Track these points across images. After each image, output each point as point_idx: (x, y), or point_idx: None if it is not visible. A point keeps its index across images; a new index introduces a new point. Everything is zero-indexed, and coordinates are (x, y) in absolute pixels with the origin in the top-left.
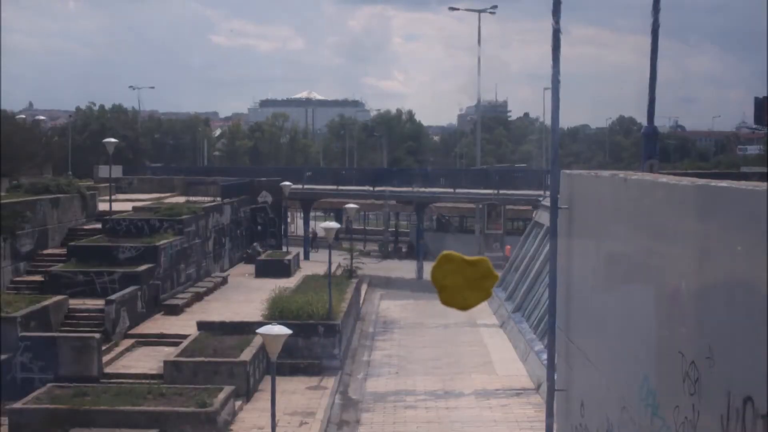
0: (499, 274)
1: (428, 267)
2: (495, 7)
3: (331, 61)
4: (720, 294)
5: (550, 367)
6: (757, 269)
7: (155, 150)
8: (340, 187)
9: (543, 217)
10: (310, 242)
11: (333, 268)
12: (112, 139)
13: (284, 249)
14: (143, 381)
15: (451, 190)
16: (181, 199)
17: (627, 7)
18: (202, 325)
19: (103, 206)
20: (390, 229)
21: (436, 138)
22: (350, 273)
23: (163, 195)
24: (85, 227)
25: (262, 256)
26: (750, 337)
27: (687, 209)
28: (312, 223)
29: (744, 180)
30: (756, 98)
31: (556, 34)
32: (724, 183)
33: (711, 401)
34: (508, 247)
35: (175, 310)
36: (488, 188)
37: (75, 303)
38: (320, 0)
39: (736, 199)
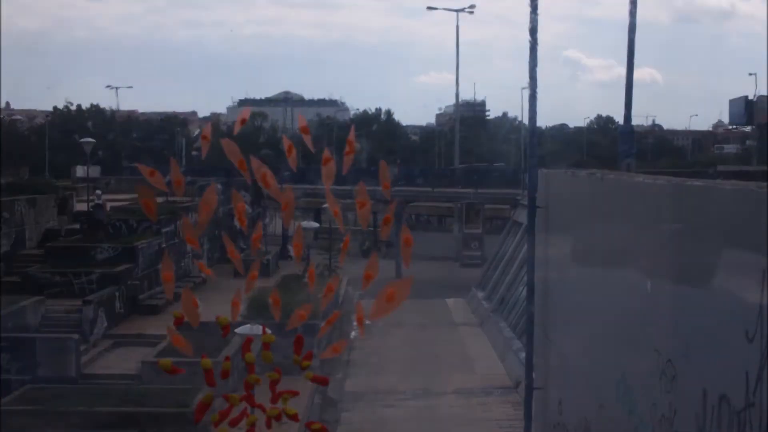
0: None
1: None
2: (473, 6)
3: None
4: (695, 292)
5: (528, 365)
6: (731, 267)
7: (133, 150)
8: (319, 187)
9: (521, 215)
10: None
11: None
12: (90, 139)
13: (263, 249)
14: (122, 381)
15: (430, 189)
16: (159, 200)
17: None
18: (180, 326)
19: (80, 206)
20: (369, 228)
21: (414, 137)
22: (329, 272)
23: None
24: (63, 228)
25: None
26: (725, 335)
27: (663, 208)
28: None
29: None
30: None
31: (534, 32)
32: (698, 182)
33: (687, 399)
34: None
35: (153, 311)
36: (467, 187)
37: (52, 304)
38: None
39: (711, 198)
